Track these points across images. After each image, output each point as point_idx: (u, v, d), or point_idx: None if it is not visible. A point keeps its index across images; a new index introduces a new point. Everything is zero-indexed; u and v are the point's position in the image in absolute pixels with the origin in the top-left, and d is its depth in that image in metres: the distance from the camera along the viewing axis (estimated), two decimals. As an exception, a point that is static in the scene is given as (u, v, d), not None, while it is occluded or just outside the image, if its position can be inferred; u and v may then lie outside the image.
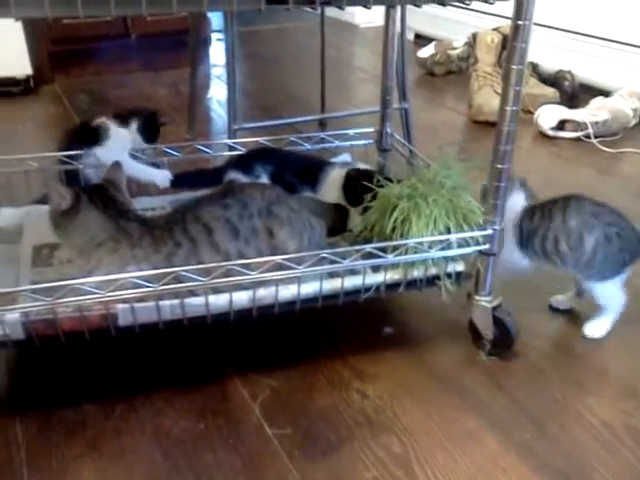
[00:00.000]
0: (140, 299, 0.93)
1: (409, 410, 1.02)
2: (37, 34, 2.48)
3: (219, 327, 1.08)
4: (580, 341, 1.17)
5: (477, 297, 1.09)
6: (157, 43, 2.72)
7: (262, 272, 0.95)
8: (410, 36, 3.23)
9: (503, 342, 1.10)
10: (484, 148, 1.97)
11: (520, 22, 0.86)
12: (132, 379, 1.08)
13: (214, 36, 3.22)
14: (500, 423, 1.00)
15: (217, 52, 3.10)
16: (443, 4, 0.86)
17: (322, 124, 1.99)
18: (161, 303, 0.94)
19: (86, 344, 0.95)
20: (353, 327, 1.20)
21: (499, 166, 0.97)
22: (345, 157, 1.47)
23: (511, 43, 0.88)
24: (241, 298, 0.98)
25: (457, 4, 0.87)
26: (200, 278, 0.93)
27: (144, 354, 1.12)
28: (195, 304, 0.96)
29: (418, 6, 0.88)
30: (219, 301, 0.97)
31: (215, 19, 3.25)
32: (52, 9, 0.73)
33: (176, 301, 0.95)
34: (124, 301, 0.92)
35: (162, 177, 1.34)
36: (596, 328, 1.17)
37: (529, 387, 1.07)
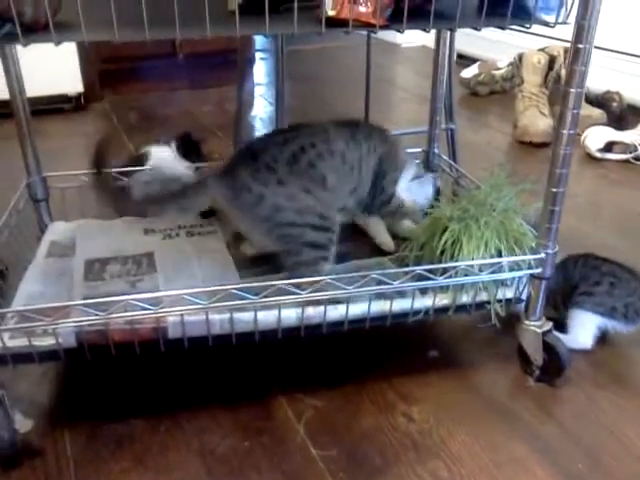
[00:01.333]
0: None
1: (455, 435, 1.00)
2: (89, 53, 2.55)
3: (265, 346, 1.09)
4: (632, 369, 1.14)
5: (527, 322, 1.07)
6: (203, 62, 2.78)
7: (311, 292, 0.94)
8: (453, 56, 3.22)
9: (553, 368, 1.08)
10: (531, 169, 1.96)
11: (581, 45, 0.85)
12: (179, 395, 1.08)
13: (258, 55, 3.27)
14: (550, 452, 0.97)
15: (260, 71, 3.14)
16: (502, 28, 0.86)
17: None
18: (211, 317, 0.95)
19: (135, 359, 0.96)
20: (398, 349, 1.19)
21: (554, 189, 0.96)
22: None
23: (570, 66, 0.86)
24: (289, 316, 0.98)
25: (516, 28, 0.86)
26: (249, 296, 0.93)
27: (191, 371, 1.13)
28: (244, 320, 0.96)
29: (477, 30, 0.87)
30: (268, 318, 0.97)
31: (258, 38, 3.29)
32: (121, 33, 0.75)
33: (226, 316, 0.95)
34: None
35: None
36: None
37: (580, 415, 1.04)
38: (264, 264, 1.18)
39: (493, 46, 2.93)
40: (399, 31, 0.83)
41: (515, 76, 2.55)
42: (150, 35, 0.76)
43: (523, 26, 0.87)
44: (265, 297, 0.95)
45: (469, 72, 2.75)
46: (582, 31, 0.84)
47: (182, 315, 0.93)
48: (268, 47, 3.79)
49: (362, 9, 0.83)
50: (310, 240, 1.04)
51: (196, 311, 0.93)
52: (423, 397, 1.07)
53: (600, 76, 2.41)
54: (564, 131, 0.92)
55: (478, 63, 2.78)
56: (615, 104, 2.32)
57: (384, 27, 0.83)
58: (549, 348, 1.07)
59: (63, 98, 2.46)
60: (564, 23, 0.86)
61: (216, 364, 1.14)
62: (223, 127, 2.29)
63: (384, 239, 1.23)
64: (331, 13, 0.83)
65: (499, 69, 2.74)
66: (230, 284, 1.07)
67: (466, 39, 3.04)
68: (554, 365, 1.07)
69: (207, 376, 1.12)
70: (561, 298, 1.17)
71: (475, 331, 1.21)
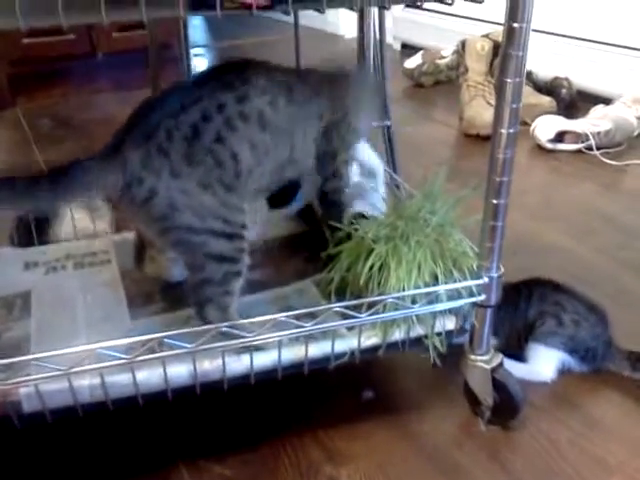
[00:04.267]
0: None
1: (393, 501, 0.83)
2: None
3: (163, 403, 0.90)
4: (600, 408, 0.98)
5: (472, 356, 0.91)
6: (125, 61, 2.56)
7: (201, 344, 0.76)
8: (397, 46, 3.07)
9: (506, 409, 0.92)
10: (477, 166, 1.79)
11: (515, 24, 0.67)
12: (56, 472, 0.88)
13: (193, 52, 3.06)
14: (505, 514, 0.81)
15: (200, 68, 2.94)
16: (416, 6, 0.68)
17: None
18: (76, 384, 0.75)
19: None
20: (325, 392, 1.00)
21: (495, 201, 0.79)
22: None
23: (505, 51, 0.69)
24: (180, 373, 0.79)
25: (435, 6, 0.69)
26: (122, 355, 0.74)
27: (71, 441, 0.92)
28: (121, 383, 0.77)
29: (386, 8, 0.70)
30: (152, 379, 0.78)
31: (197, 34, 3.10)
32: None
33: (96, 380, 0.76)
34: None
35: None
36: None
37: (538, 465, 0.88)
38: (161, 300, 0.99)
39: (440, 34, 2.78)
40: (285, 13, 0.65)
41: (460, 65, 2.41)
42: (25, 22, 0.55)
43: (444, 2, 0.69)
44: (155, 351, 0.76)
45: (412, 62, 2.58)
46: (517, 6, 0.67)
47: (36, 385, 0.73)
48: (207, 43, 3.59)
49: (238, -13, 0.65)
50: (213, 251, 0.83)
51: (55, 378, 0.73)
52: (354, 453, 0.90)
53: (548, 61, 2.28)
54: (503, 130, 0.75)
55: (421, 52, 2.62)
56: (564, 91, 2.20)
57: (264, 8, 0.64)
58: (500, 386, 0.90)
59: (-35, 107, 2.22)
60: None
61: (99, 430, 0.93)
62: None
63: None
64: (198, -8, 0.64)
65: (443, 58, 2.59)
66: (118, 326, 0.89)
67: (411, 28, 2.89)
68: (507, 406, 0.91)
69: (91, 447, 0.92)
70: (517, 334, 1.03)
71: (417, 366, 1.04)
